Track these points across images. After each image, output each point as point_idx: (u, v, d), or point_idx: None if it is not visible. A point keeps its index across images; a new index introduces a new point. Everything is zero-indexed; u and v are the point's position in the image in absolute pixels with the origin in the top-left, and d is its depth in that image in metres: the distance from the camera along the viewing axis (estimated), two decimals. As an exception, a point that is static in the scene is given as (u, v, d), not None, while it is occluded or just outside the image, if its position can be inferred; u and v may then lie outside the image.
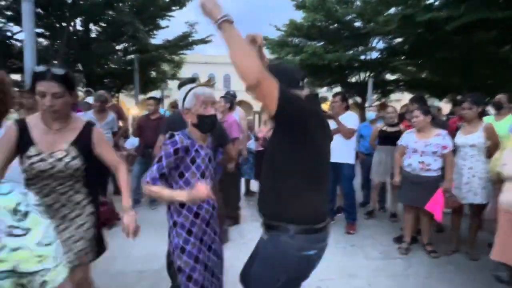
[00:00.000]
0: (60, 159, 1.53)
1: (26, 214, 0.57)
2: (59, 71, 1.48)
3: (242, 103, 21.29)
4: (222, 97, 4.28)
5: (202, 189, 1.46)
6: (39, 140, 1.53)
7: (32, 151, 1.50)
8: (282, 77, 1.21)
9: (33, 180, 1.54)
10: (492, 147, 3.15)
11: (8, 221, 0.55)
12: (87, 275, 1.74)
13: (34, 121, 1.57)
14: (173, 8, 12.34)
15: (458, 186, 3.25)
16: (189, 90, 1.68)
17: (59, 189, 1.57)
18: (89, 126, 1.68)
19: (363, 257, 3.31)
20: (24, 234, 0.56)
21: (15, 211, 0.56)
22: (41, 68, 1.47)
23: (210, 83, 1.80)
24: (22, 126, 1.54)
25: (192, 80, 1.91)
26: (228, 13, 1.11)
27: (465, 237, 3.43)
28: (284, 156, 1.27)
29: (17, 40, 10.92)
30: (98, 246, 1.75)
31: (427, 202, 3.15)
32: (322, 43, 13.41)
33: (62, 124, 1.59)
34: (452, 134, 3.48)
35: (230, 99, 4.22)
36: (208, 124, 1.69)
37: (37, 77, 1.46)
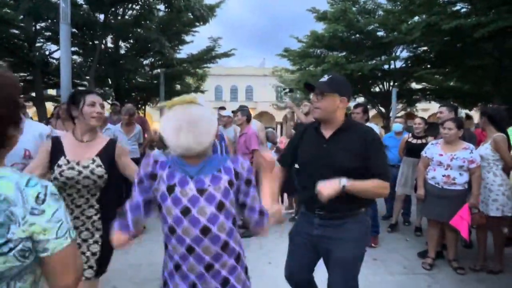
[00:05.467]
0: (86, 166, 1.70)
1: (43, 200, 0.81)
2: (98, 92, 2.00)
3: (264, 114, 21.42)
4: (238, 110, 4.32)
5: None
6: (69, 151, 1.73)
7: (62, 161, 1.70)
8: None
9: (58, 190, 1.69)
10: (506, 160, 3.06)
11: (32, 204, 0.79)
12: None
13: (66, 136, 1.81)
14: (197, 24, 12.78)
15: None
16: None
17: (76, 201, 1.72)
18: (112, 141, 1.89)
19: (386, 272, 3.22)
20: (40, 214, 0.80)
21: (36, 198, 0.80)
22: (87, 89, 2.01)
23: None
24: (56, 141, 1.78)
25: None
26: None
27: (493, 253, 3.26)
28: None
29: (53, 58, 11.72)
30: (99, 266, 1.74)
31: (452, 217, 3.04)
32: (344, 53, 13.35)
33: (91, 137, 1.80)
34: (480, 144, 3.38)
35: (247, 112, 4.28)
36: None
37: (87, 92, 1.82)
